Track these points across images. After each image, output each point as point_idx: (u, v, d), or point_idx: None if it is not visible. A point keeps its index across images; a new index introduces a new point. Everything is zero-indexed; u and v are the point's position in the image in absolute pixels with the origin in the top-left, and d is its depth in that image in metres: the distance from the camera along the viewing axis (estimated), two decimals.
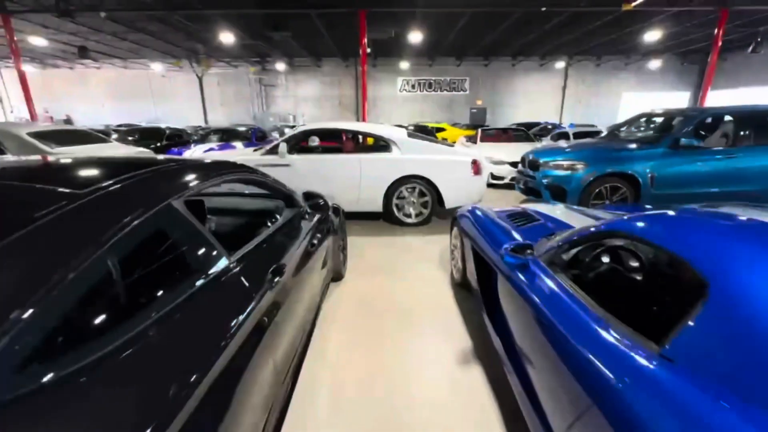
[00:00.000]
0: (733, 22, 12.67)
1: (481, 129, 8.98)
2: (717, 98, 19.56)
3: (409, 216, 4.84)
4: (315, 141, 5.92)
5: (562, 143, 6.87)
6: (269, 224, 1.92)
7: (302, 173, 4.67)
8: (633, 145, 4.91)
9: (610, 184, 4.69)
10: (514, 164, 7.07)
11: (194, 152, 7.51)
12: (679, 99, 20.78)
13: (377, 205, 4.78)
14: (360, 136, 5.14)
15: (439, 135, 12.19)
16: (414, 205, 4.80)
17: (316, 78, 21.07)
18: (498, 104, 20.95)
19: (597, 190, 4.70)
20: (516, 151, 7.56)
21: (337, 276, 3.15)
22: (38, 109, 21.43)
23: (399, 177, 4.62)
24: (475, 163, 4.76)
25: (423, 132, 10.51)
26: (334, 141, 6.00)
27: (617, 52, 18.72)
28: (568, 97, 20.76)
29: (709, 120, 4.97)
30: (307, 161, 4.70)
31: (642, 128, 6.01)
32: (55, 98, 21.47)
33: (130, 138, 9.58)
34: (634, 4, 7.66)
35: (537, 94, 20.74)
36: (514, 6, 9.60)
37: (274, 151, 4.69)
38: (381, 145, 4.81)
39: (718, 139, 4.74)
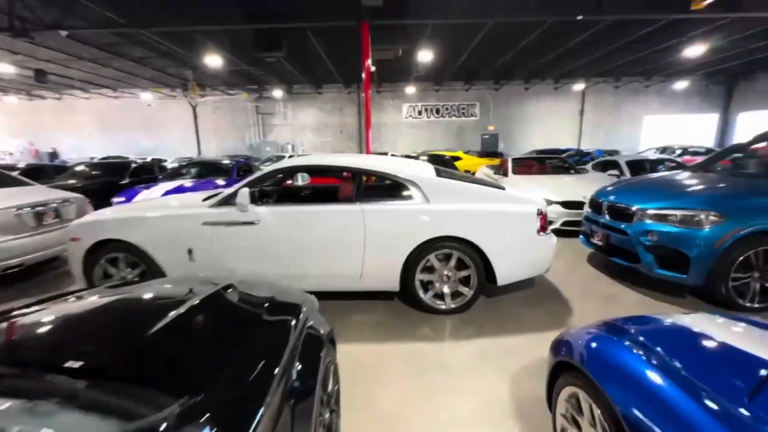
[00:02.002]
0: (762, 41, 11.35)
1: (511, 158, 7.35)
2: (747, 119, 18.16)
3: (441, 298, 3.08)
4: (302, 180, 4.31)
5: (630, 179, 5.18)
6: None
7: (275, 236, 2.98)
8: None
9: (763, 247, 2.94)
10: (566, 204, 5.38)
11: (152, 193, 5.90)
12: (705, 121, 19.36)
13: (391, 282, 3.06)
14: (365, 176, 3.42)
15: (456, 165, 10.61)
16: (449, 281, 3.06)
17: (316, 106, 19.97)
18: (510, 130, 19.61)
19: (741, 258, 2.96)
20: (561, 185, 5.91)
21: None
22: (23, 141, 20.43)
23: (426, 239, 2.91)
24: (542, 215, 3.06)
25: (440, 163, 8.93)
26: (328, 183, 4.37)
27: (637, 74, 17.51)
28: (586, 122, 19.40)
29: None
30: (283, 216, 3.01)
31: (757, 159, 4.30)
32: (42, 130, 20.43)
33: (94, 173, 8.07)
34: (705, 2, 6.26)
35: (552, 120, 19.41)
36: (543, 15, 8.24)
37: (231, 200, 3.02)
38: (397, 188, 3.13)
39: None
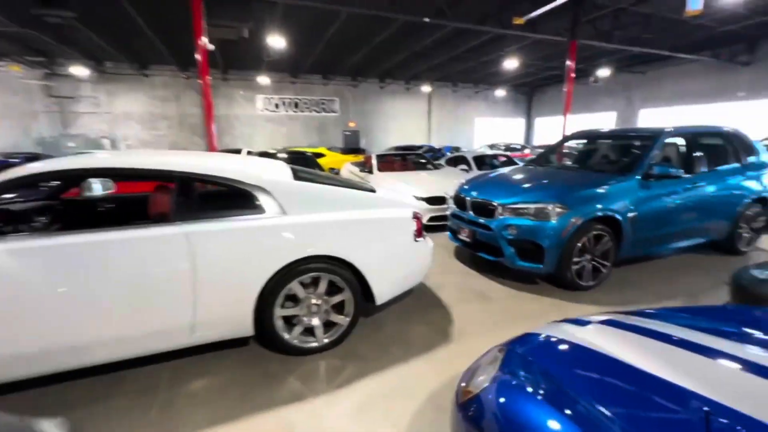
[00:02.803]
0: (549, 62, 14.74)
1: (375, 155, 7.18)
2: (541, 123, 23.26)
3: (311, 333, 2.43)
4: (97, 190, 3.00)
5: (483, 174, 5.58)
6: None
7: (31, 286, 1.77)
8: (598, 177, 3.73)
9: (595, 232, 3.33)
10: (431, 201, 5.43)
11: None
12: (517, 125, 24.05)
13: (241, 327, 2.24)
14: (192, 183, 2.43)
15: (319, 162, 9.97)
16: (319, 311, 2.43)
17: (143, 91, 16.23)
18: (370, 127, 20.17)
19: (579, 244, 3.29)
20: (424, 181, 6.01)
21: None
22: None
23: (286, 264, 2.21)
24: (417, 219, 2.74)
25: (301, 162, 8.17)
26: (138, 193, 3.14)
27: (469, 80, 20.36)
28: (433, 121, 21.56)
29: (671, 142, 4.22)
30: (41, 254, 1.82)
31: (578, 152, 5.11)
32: None
33: None
34: (524, 19, 7.34)
35: (406, 118, 20.84)
36: (394, 12, 8.32)
37: None
38: (241, 198, 2.30)
39: (679, 165, 4.00)
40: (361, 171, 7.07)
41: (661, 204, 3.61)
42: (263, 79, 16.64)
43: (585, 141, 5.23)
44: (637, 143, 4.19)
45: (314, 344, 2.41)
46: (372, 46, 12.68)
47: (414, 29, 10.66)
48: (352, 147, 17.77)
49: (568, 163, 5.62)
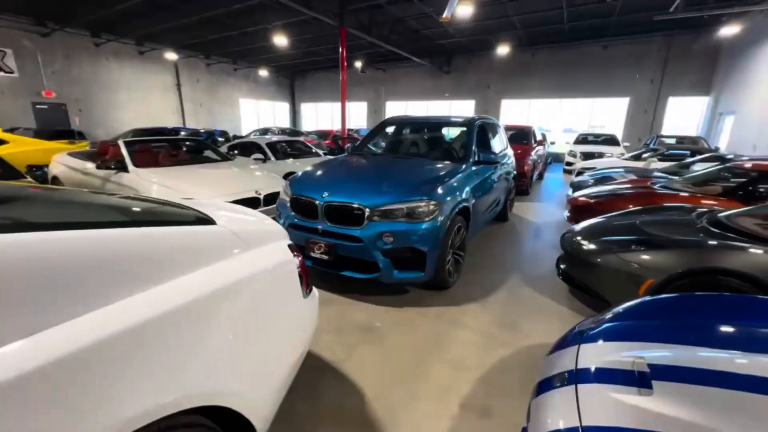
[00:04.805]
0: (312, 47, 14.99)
1: (124, 141, 4.65)
2: (307, 109, 23.74)
3: None
4: None
5: (313, 169, 4.61)
6: None
7: None
8: (440, 166, 3.58)
9: (457, 224, 3.13)
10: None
11: None
12: (281, 108, 23.40)
13: None
14: None
15: None
16: None
17: None
18: (89, 101, 14.17)
19: (449, 240, 3.01)
20: (218, 179, 4.45)
21: None
22: None
23: None
24: (298, 255, 1.59)
25: None
26: None
27: (227, 55, 17.78)
28: (187, 100, 17.64)
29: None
30: None
31: (392, 140, 4.87)
32: None
33: None
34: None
35: (146, 92, 15.96)
36: None
37: None
38: None
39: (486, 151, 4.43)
40: (98, 168, 4.43)
41: (485, 187, 3.88)
42: None
43: (393, 128, 5.14)
44: (456, 131, 4.38)
45: None
46: None
47: None
48: (58, 129, 11.92)
49: (378, 151, 5.45)
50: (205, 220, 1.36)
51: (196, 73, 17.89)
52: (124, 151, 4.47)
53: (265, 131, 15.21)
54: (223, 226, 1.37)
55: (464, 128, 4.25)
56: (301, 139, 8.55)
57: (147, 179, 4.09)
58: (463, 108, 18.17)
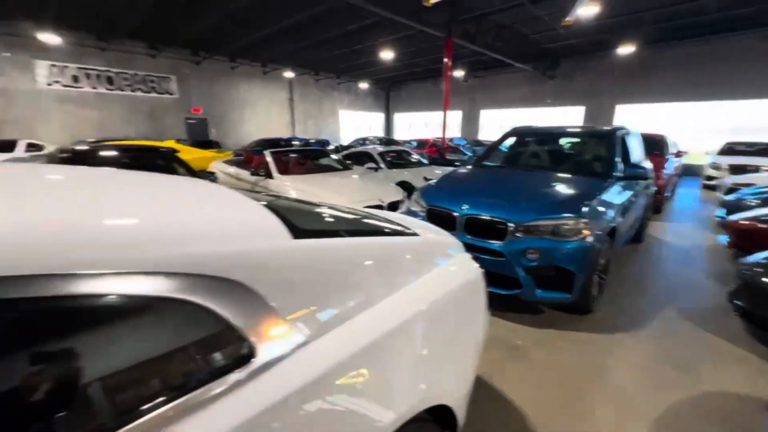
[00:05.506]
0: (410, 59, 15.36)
1: (270, 152, 5.41)
2: (400, 119, 24.44)
3: None
4: None
5: (442, 178, 4.75)
6: None
7: None
8: (581, 180, 3.36)
9: (605, 245, 2.90)
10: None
11: None
12: (377, 119, 24.51)
13: None
14: None
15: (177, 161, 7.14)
16: None
17: None
18: (220, 116, 16.80)
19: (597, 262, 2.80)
20: (347, 187, 4.83)
21: None
22: None
23: None
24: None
25: (151, 161, 5.58)
26: None
27: (332, 70, 19.35)
28: (297, 112, 19.69)
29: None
30: None
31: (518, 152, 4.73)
32: None
33: None
34: (433, 1, 6.77)
35: (265, 106, 18.27)
36: None
37: None
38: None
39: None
40: (252, 175, 5.21)
41: (629, 204, 3.52)
42: (48, 37, 11.36)
43: (517, 139, 4.98)
44: (594, 142, 4.09)
45: None
46: (224, 13, 10.18)
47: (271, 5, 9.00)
48: (200, 139, 14.37)
49: (498, 164, 5.31)
50: (412, 232, 1.51)
51: (306, 89, 19.84)
52: (270, 160, 5.18)
53: (363, 140, 16.15)
54: (424, 236, 1.50)
55: (602, 139, 3.93)
56: (406, 148, 8.84)
57: (289, 185, 4.67)
58: (569, 115, 16.78)
